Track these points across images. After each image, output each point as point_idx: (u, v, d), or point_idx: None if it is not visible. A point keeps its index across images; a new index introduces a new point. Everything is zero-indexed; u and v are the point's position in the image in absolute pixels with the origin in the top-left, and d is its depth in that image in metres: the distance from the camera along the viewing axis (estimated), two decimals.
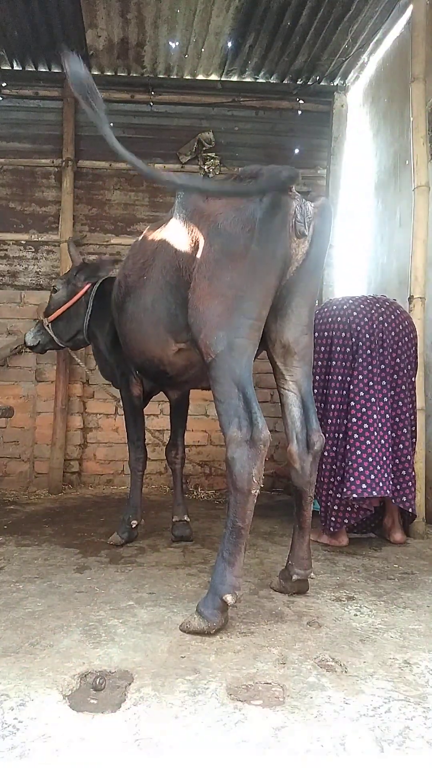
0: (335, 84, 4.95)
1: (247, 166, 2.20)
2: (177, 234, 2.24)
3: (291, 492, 4.10)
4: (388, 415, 2.94)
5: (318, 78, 4.88)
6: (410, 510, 3.01)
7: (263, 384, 4.36)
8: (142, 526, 3.13)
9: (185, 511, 3.12)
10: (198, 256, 2.10)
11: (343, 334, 2.98)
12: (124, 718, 1.42)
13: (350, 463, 2.84)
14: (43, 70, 4.84)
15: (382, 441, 2.88)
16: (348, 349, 2.97)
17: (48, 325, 3.49)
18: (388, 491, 2.83)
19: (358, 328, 2.95)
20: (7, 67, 4.80)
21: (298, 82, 4.92)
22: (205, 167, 4.94)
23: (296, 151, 5.06)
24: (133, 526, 3.00)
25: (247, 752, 1.30)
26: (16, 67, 4.81)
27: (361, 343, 2.94)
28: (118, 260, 3.51)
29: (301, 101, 5.00)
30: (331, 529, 3.00)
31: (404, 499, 2.97)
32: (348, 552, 2.94)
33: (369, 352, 2.94)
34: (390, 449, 2.93)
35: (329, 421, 2.98)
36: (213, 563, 2.47)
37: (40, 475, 4.57)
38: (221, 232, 2.02)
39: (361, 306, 3.03)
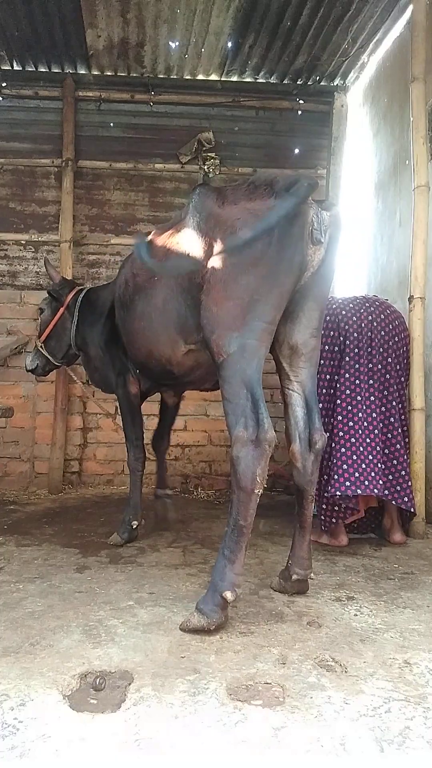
0: (335, 84, 4.95)
1: (260, 173, 2.22)
2: (190, 237, 2.25)
3: (292, 491, 4.09)
4: (375, 414, 2.94)
5: (318, 78, 4.87)
6: (411, 509, 3.01)
7: (263, 384, 4.35)
8: (141, 526, 3.12)
9: (166, 485, 3.50)
10: (212, 259, 2.12)
11: (332, 333, 3.00)
12: (124, 718, 1.42)
13: (335, 461, 2.85)
14: (43, 70, 4.83)
15: (368, 440, 2.89)
16: (336, 348, 3.00)
17: (41, 346, 3.55)
18: (375, 490, 2.83)
19: (346, 327, 2.97)
20: (7, 67, 4.80)
21: (298, 82, 4.92)
22: (205, 167, 4.94)
23: (296, 151, 5.06)
24: (134, 526, 3.00)
25: (247, 752, 1.30)
26: (16, 67, 4.81)
27: (348, 342, 2.96)
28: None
29: (301, 101, 5.00)
30: (322, 527, 3.01)
31: (406, 499, 2.97)
32: (348, 552, 2.94)
33: (356, 350, 2.96)
34: (379, 448, 2.93)
35: None
36: (213, 563, 2.48)
37: (40, 475, 4.57)
38: (240, 238, 2.04)
39: (350, 305, 3.05)
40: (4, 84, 4.83)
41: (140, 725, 1.39)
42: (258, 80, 4.93)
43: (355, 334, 2.97)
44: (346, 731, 1.38)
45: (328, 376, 3.02)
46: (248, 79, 4.92)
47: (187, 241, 2.26)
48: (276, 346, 2.25)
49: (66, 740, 1.33)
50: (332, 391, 2.99)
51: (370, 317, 3.01)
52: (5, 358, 4.59)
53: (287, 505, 3.64)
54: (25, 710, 1.44)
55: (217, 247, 2.12)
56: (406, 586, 2.43)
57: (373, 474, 2.84)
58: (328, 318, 3.02)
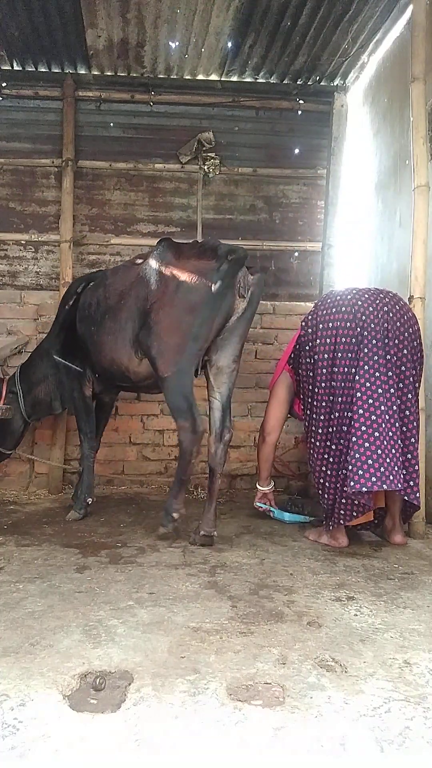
0: (335, 84, 4.94)
1: (206, 240, 3.15)
2: (151, 276, 3.05)
3: (292, 491, 4.08)
4: (395, 407, 2.88)
5: (318, 78, 4.87)
6: (417, 504, 3.00)
7: (262, 384, 4.36)
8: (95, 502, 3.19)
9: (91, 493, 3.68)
10: (163, 297, 2.95)
11: (348, 324, 2.93)
12: (124, 718, 1.42)
13: (358, 456, 2.77)
14: (43, 70, 4.82)
15: (390, 433, 2.83)
16: (353, 340, 2.92)
17: None
18: (398, 484, 2.78)
19: (363, 317, 2.91)
20: (7, 67, 4.79)
21: (298, 82, 4.92)
22: (205, 167, 4.94)
23: (296, 151, 5.06)
24: (89, 502, 3.58)
25: (247, 752, 1.30)
26: (16, 67, 4.80)
27: (366, 333, 2.89)
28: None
29: (301, 101, 4.99)
30: (341, 521, 2.96)
31: (418, 495, 2.95)
32: (348, 552, 2.94)
33: (374, 342, 2.89)
34: (399, 442, 2.88)
35: (335, 414, 2.95)
36: (213, 563, 2.68)
37: (40, 475, 4.57)
38: (187, 287, 2.90)
39: (366, 296, 3.00)
40: (4, 84, 4.81)
41: (140, 725, 1.39)
42: (258, 80, 4.92)
43: (372, 325, 2.89)
44: (346, 731, 1.38)
45: (345, 369, 2.92)
46: (248, 79, 4.92)
47: (148, 279, 3.05)
48: (208, 367, 3.11)
49: (66, 740, 1.33)
50: (350, 384, 2.90)
51: (385, 308, 2.95)
52: (5, 358, 4.59)
53: (287, 505, 3.64)
54: (25, 710, 1.44)
55: (169, 290, 2.94)
56: (406, 586, 2.43)
57: (396, 469, 2.79)
58: (343, 309, 2.97)
